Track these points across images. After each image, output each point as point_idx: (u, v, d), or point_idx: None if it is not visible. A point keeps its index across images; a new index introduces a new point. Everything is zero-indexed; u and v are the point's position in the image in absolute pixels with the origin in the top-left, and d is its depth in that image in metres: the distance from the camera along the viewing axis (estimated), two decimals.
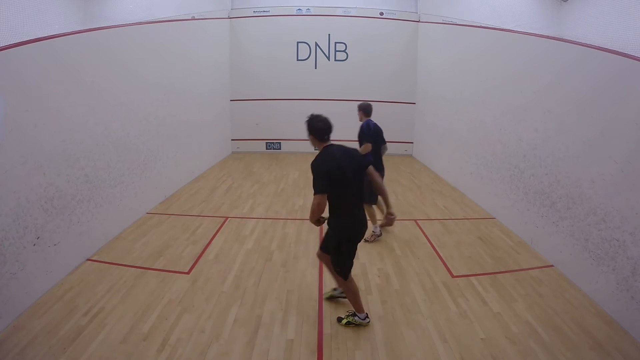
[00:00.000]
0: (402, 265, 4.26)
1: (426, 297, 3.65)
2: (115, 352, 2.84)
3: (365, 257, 4.45)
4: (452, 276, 4.05)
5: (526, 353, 2.90)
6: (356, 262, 4.23)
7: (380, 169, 4.74)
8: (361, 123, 4.72)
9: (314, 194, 2.86)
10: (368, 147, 4.59)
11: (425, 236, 5.08)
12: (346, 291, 3.21)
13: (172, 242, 4.76)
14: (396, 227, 5.39)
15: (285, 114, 10.39)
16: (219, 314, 3.35)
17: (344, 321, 3.21)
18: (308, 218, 3.07)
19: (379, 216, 4.88)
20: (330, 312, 3.39)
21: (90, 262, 4.20)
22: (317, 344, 2.99)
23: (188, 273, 4.04)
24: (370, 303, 3.53)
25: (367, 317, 3.22)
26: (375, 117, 4.86)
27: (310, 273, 4.08)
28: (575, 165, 4.05)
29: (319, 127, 2.96)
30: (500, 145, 5.73)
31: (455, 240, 4.98)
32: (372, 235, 4.81)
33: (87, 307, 3.38)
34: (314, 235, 4.97)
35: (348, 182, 2.91)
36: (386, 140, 4.98)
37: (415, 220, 5.66)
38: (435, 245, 4.81)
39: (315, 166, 2.90)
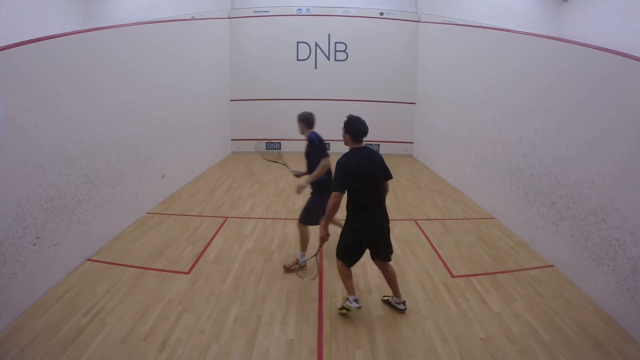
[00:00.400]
0: (402, 265, 4.26)
1: (426, 297, 3.65)
2: (115, 352, 2.84)
3: (366, 257, 4.43)
4: (452, 276, 4.05)
5: (526, 353, 2.90)
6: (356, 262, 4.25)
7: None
8: (307, 136, 3.98)
9: (331, 190, 3.08)
10: (328, 162, 3.76)
11: (425, 236, 5.08)
12: (339, 272, 3.34)
13: (172, 242, 4.76)
14: (396, 226, 5.40)
15: (285, 114, 10.31)
16: (219, 314, 3.35)
17: (340, 307, 3.37)
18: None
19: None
20: (330, 312, 3.39)
21: (90, 262, 4.20)
22: (317, 344, 2.99)
23: (188, 273, 4.04)
24: (370, 303, 3.53)
25: (356, 301, 3.25)
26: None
27: (310, 273, 4.07)
28: (575, 165, 4.05)
29: (359, 129, 3.17)
30: (500, 145, 5.73)
31: (455, 240, 4.98)
32: (292, 264, 4.12)
33: (87, 307, 3.38)
34: (314, 235, 4.96)
35: (365, 185, 3.08)
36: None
37: (415, 220, 5.66)
38: (435, 245, 4.81)
39: (338, 166, 3.10)
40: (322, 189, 3.83)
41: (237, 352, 2.89)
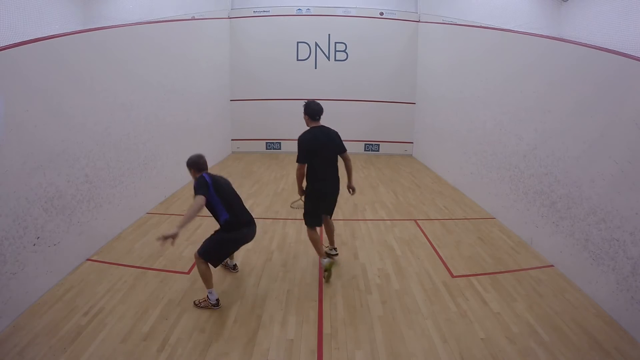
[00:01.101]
0: (402, 265, 4.26)
1: (426, 297, 3.65)
2: (115, 352, 2.84)
3: (365, 257, 4.45)
4: (452, 276, 4.05)
5: (526, 353, 2.90)
6: (356, 262, 4.27)
7: (247, 223, 3.57)
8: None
9: (296, 162, 3.67)
10: (200, 201, 3.20)
11: (425, 236, 5.08)
12: (310, 238, 3.98)
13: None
14: (396, 227, 5.40)
15: (286, 114, 10.39)
16: (219, 314, 3.35)
17: (325, 273, 3.89)
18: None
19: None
20: (330, 312, 3.40)
21: (90, 262, 4.20)
22: (317, 344, 2.99)
23: (188, 273, 4.04)
24: (370, 303, 3.53)
25: (326, 257, 3.96)
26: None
27: (310, 273, 4.08)
28: (575, 165, 4.05)
29: (314, 108, 3.69)
30: (500, 145, 5.73)
31: (455, 240, 4.98)
32: (202, 300, 3.47)
33: (87, 307, 3.38)
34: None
35: (323, 157, 3.68)
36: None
37: (415, 220, 5.66)
38: (435, 245, 4.81)
39: (301, 141, 3.68)
40: (226, 228, 3.46)
41: (237, 352, 2.89)
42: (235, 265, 4.10)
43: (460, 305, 3.51)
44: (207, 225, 5.31)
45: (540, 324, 3.23)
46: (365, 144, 10.73)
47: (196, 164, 3.54)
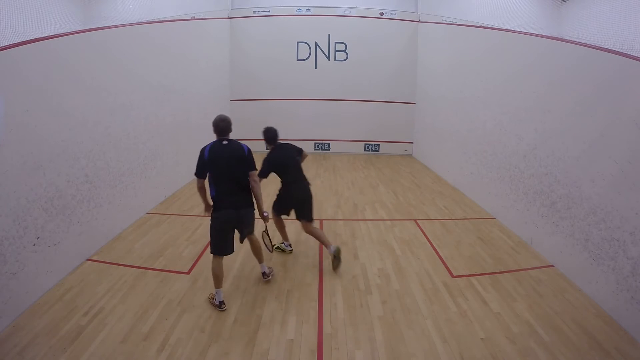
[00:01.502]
0: (402, 265, 4.26)
1: (426, 297, 3.64)
2: (115, 352, 2.84)
3: (365, 257, 4.45)
4: (452, 276, 4.05)
5: (526, 353, 2.90)
6: (356, 262, 4.29)
7: (233, 205, 3.54)
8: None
9: (258, 174, 3.75)
10: (197, 184, 3.56)
11: (425, 236, 5.08)
12: (275, 223, 4.52)
13: (172, 242, 4.76)
14: (396, 227, 5.40)
15: (285, 114, 10.39)
16: (219, 314, 3.35)
17: (275, 246, 4.50)
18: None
19: None
20: (330, 312, 3.39)
21: (90, 262, 4.20)
22: (317, 344, 2.99)
23: (188, 273, 4.04)
24: (370, 303, 3.53)
25: (290, 245, 4.56)
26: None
27: (310, 273, 4.08)
28: (575, 165, 4.05)
29: (268, 137, 4.22)
30: (500, 145, 5.73)
31: (455, 240, 4.98)
32: (212, 297, 3.49)
33: (87, 307, 3.38)
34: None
35: (287, 168, 4.20)
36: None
37: (415, 220, 5.66)
38: (435, 245, 4.81)
39: (266, 158, 4.12)
40: (213, 205, 3.52)
41: (237, 352, 2.89)
42: (265, 273, 3.88)
43: (460, 305, 3.51)
44: (207, 226, 5.31)
45: (540, 324, 3.23)
46: (365, 144, 10.72)
47: (215, 126, 3.49)
